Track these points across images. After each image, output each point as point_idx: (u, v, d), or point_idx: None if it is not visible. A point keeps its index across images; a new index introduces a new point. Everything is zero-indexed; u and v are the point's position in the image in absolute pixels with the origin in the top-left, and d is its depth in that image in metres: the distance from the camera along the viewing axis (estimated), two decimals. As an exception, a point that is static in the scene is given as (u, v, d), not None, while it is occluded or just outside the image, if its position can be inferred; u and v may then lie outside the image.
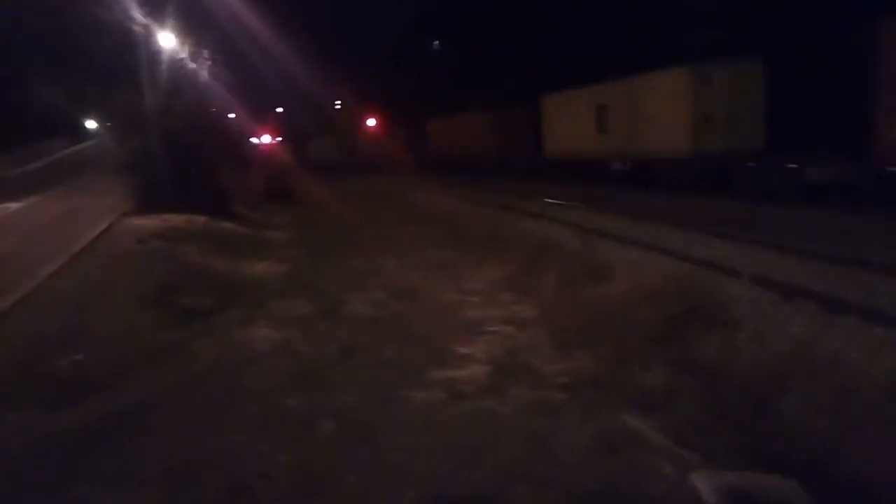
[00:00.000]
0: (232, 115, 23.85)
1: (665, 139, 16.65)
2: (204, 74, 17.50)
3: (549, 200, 13.55)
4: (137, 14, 14.73)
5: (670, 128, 16.42)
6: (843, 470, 3.49)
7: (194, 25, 17.23)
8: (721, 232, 7.82)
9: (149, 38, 15.61)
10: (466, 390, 4.71)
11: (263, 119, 40.38)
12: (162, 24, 16.10)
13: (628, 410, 4.12)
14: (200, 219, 13.20)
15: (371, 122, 45.82)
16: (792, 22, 17.80)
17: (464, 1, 39.01)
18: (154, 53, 15.66)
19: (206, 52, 17.29)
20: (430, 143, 36.53)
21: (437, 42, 42.75)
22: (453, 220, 13.84)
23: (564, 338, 5.55)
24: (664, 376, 4.51)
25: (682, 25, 24.50)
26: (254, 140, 34.57)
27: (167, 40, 16.31)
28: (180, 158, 14.30)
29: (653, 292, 5.88)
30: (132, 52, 15.12)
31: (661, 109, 16.85)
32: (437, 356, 5.48)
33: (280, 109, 54.51)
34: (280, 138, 44.68)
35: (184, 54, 16.76)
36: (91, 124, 46.25)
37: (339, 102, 51.64)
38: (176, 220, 12.78)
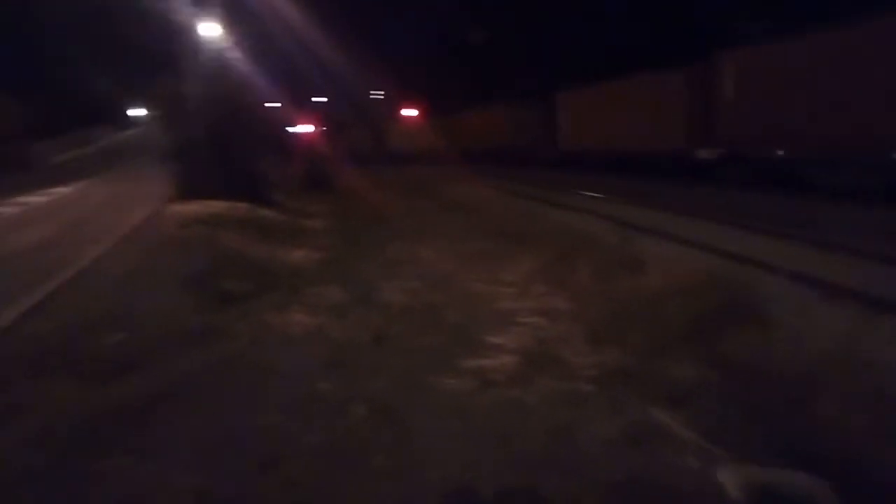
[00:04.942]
0: (272, 105, 24.16)
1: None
2: (245, 64, 17.80)
3: (586, 193, 13.50)
4: (182, 4, 15.06)
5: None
6: (878, 473, 3.42)
7: (237, 16, 17.54)
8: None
9: (192, 27, 15.95)
10: (496, 379, 4.74)
11: (303, 108, 40.76)
12: (206, 14, 16.43)
13: (657, 404, 4.10)
14: (241, 206, 13.46)
15: (410, 112, 45.90)
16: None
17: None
18: (197, 43, 15.99)
19: (247, 42, 17.60)
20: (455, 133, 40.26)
21: (478, 34, 42.84)
22: (490, 210, 13.83)
23: (596, 330, 5.53)
24: (695, 371, 4.46)
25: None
26: (294, 129, 34.90)
27: (210, 30, 16.64)
28: (222, 146, 14.60)
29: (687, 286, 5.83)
30: (176, 41, 15.48)
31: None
32: (467, 345, 5.51)
33: (321, 99, 54.95)
34: (320, 127, 45.02)
35: (226, 44, 17.07)
36: (138, 112, 47.45)
37: (379, 92, 51.88)
38: (218, 206, 13.06)
